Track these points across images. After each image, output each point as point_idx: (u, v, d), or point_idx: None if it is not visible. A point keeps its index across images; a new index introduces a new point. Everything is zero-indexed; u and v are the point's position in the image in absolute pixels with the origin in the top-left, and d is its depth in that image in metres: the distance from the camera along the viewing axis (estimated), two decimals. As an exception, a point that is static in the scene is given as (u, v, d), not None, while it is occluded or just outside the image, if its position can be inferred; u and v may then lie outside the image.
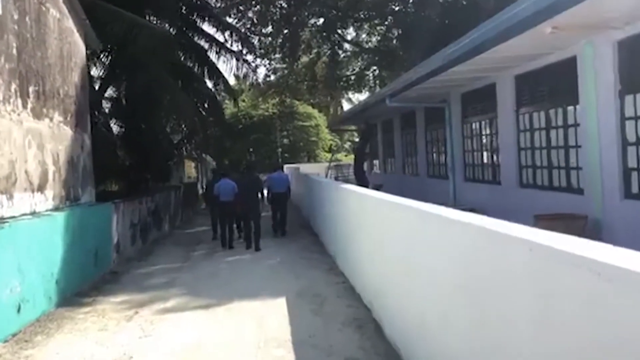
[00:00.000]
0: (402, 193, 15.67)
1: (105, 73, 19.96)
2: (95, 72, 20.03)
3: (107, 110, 21.30)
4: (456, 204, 12.79)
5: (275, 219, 15.36)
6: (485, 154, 11.97)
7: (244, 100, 44.61)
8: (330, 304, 7.76)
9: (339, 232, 9.97)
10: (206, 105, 23.31)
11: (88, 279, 9.62)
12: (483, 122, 11.95)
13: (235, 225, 14.24)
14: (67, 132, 9.92)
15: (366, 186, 16.11)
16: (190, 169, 36.05)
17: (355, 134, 60.17)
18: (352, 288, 8.44)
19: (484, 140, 11.98)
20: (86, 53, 17.59)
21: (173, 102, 18.95)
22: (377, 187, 16.47)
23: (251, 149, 46.36)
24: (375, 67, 32.12)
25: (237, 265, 11.17)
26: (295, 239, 14.14)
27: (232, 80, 30.04)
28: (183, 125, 22.13)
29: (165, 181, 21.03)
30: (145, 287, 9.49)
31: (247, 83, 31.97)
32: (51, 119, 9.19)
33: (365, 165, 18.62)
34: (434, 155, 15.37)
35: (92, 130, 15.99)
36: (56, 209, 9.15)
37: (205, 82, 23.85)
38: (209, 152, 39.83)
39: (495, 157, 11.48)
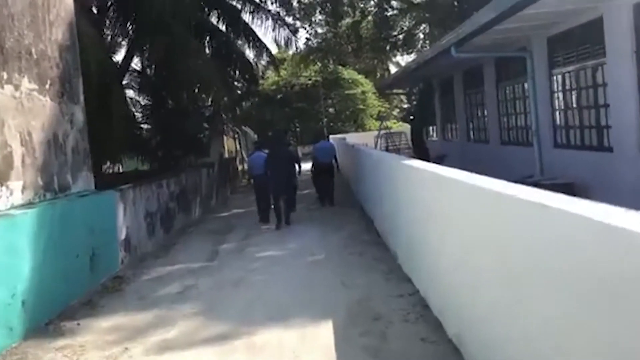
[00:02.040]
0: (468, 165, 13.06)
1: (129, 42, 17.83)
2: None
3: (132, 84, 19.27)
4: (544, 177, 10.16)
5: (320, 190, 14.88)
6: (584, 112, 9.23)
7: (285, 69, 42.18)
8: (396, 335, 5.33)
9: (401, 222, 7.53)
10: (237, 72, 20.94)
11: (78, 291, 7.49)
12: (581, 72, 9.20)
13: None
14: (45, 103, 7.70)
15: (427, 157, 13.64)
16: (231, 143, 33.96)
17: (404, 99, 57.09)
18: (424, 304, 6.02)
19: (583, 95, 9.23)
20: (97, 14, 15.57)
21: (198, 68, 16.68)
22: (440, 159, 13.95)
23: (296, 120, 44.01)
24: (425, 25, 29.24)
25: (271, 265, 8.84)
26: (343, 224, 11.75)
27: (272, 49, 27.57)
28: (210, 96, 19.83)
29: (197, 158, 18.91)
30: (150, 302, 7.29)
31: (287, 48, 29.77)
32: (16, 87, 6.96)
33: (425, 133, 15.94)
34: (510, 117, 12.66)
35: (115, 106, 14.10)
36: (28, 203, 6.97)
37: (238, 47, 21.45)
38: (247, 124, 37.73)
39: (601, 116, 8.76)
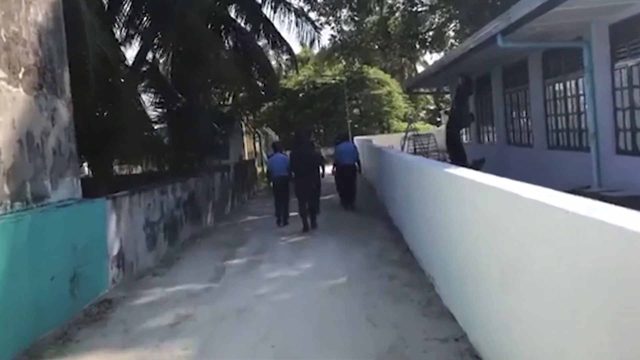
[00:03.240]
0: (509, 171, 11.56)
1: (143, 37, 16.65)
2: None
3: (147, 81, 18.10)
4: (604, 188, 8.69)
5: (343, 192, 14.73)
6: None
7: (309, 68, 40.87)
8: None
9: (442, 243, 6.14)
10: (257, 70, 19.63)
11: (54, 320, 6.24)
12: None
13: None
14: (16, 95, 6.46)
15: (464, 162, 12.21)
16: (252, 144, 32.76)
17: (431, 100, 55.38)
18: (475, 355, 4.65)
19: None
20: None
21: (216, 63, 15.45)
22: (478, 163, 12.51)
23: (320, 121, 42.65)
24: (456, 22, 27.79)
25: (283, 290, 7.47)
26: (368, 237, 10.38)
27: (295, 47, 26.26)
28: (229, 94, 18.56)
29: (216, 159, 17.69)
30: (135, 337, 6.00)
31: (310, 46, 28.60)
32: (-28, 75, 5.73)
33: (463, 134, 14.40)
34: (559, 118, 11.14)
35: (124, 104, 12.96)
36: (-12, 218, 5.73)
37: (257, 44, 20.14)
38: (268, 125, 36.52)
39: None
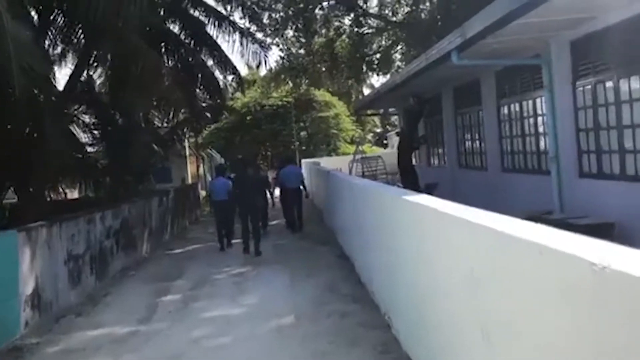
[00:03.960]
0: (461, 195, 11.04)
1: (78, 53, 15.59)
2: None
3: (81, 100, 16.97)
4: (568, 214, 8.17)
5: (288, 216, 14.73)
6: (626, 132, 7.23)
7: (256, 90, 40.15)
8: None
9: (400, 279, 5.42)
10: (201, 90, 18.73)
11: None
12: (621, 81, 7.24)
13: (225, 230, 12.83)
14: None
15: (416, 185, 11.63)
16: (195, 167, 31.66)
17: (378, 122, 55.34)
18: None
19: (624, 111, 7.24)
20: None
21: (154, 81, 14.47)
22: (431, 188, 11.96)
23: (267, 143, 41.81)
24: (402, 45, 27.72)
25: (222, 333, 6.58)
26: (317, 268, 9.59)
27: (243, 69, 25.53)
28: (168, 115, 17.57)
29: (152, 183, 16.67)
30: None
31: (256, 65, 27.87)
32: None
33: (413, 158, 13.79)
34: (515, 140, 10.67)
35: (50, 126, 11.96)
36: None
37: (203, 63, 19.27)
38: (213, 147, 35.45)
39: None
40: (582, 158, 8.19)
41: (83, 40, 14.96)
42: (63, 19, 14.42)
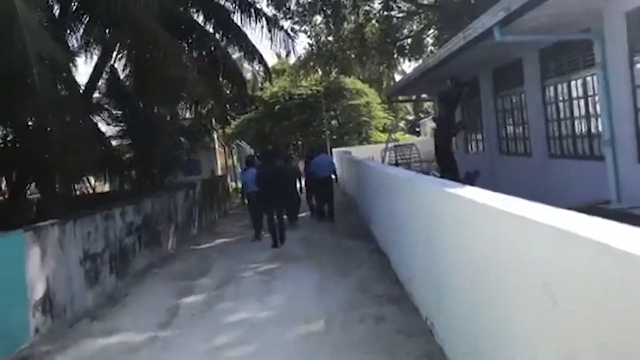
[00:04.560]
0: (505, 184, 10.24)
1: (100, 49, 15.18)
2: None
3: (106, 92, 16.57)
4: (626, 203, 7.36)
5: (317, 205, 14.86)
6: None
7: (285, 79, 39.50)
8: None
9: (445, 278, 4.74)
10: (227, 81, 18.14)
11: None
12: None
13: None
14: None
15: (455, 174, 10.89)
16: (225, 159, 31.27)
17: (410, 110, 54.22)
18: None
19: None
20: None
21: (179, 72, 13.92)
22: (472, 177, 11.19)
23: (297, 133, 41.18)
24: (434, 28, 26.73)
25: (245, 341, 5.97)
26: (349, 264, 8.93)
27: (270, 58, 24.96)
28: (195, 106, 17.02)
29: (179, 176, 16.16)
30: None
31: (284, 54, 27.32)
32: None
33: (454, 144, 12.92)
34: (563, 123, 9.82)
35: (73, 117, 11.59)
36: None
37: (228, 53, 18.67)
38: (242, 139, 34.98)
39: None
40: (643, 141, 7.35)
41: (106, 31, 14.61)
42: (83, 8, 14.03)
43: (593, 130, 8.72)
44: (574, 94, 9.25)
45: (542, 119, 10.45)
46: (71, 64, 16.69)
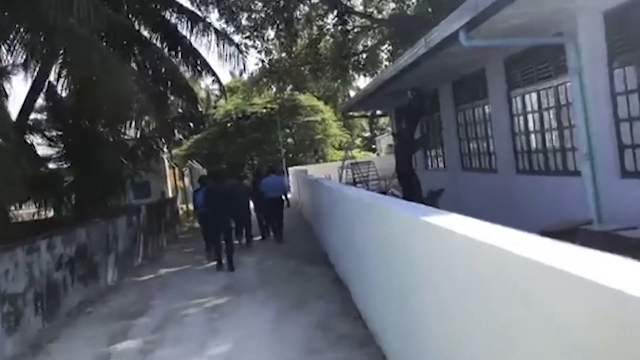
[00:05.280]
0: (469, 203, 9.56)
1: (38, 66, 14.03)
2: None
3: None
4: (609, 223, 6.68)
5: (267, 225, 14.90)
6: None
7: (239, 97, 38.56)
8: None
9: (428, 329, 3.89)
10: (175, 97, 17.10)
11: None
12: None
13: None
14: None
15: (418, 192, 10.14)
16: (176, 180, 30.01)
17: (366, 126, 53.75)
18: None
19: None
20: None
21: (118, 87, 12.82)
22: (435, 195, 10.47)
23: (253, 152, 40.18)
24: (389, 43, 26.28)
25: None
26: (305, 296, 8.06)
27: (225, 77, 24.04)
28: (138, 123, 15.92)
29: (120, 200, 14.99)
30: None
31: (240, 74, 26.48)
32: None
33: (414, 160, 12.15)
34: (532, 136, 9.17)
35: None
36: None
37: (175, 67, 17.61)
38: (194, 158, 33.82)
39: None
40: (625, 154, 6.71)
41: (41, 45, 13.51)
42: (13, 20, 12.90)
43: (567, 143, 8.07)
44: (545, 104, 8.61)
45: (509, 132, 9.81)
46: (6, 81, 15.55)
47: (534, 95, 8.85)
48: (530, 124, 9.21)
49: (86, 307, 9.19)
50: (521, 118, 9.50)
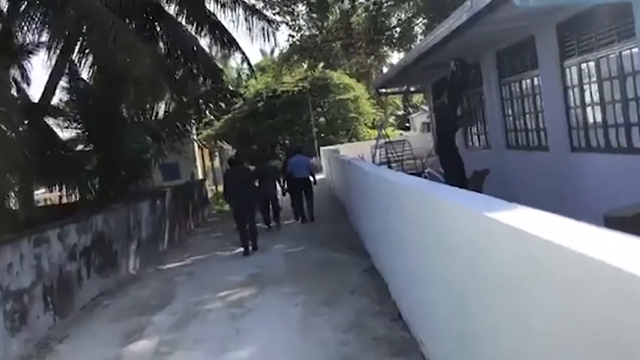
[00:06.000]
0: (520, 186, 8.64)
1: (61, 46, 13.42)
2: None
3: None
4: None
5: (296, 206, 14.64)
6: None
7: (269, 77, 37.72)
8: None
9: (491, 342, 3.08)
10: (196, 74, 16.27)
11: None
12: None
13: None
14: None
15: (461, 173, 9.27)
16: (207, 161, 29.54)
17: (399, 103, 52.43)
18: None
19: None
20: None
21: (140, 65, 12.10)
22: (480, 176, 9.58)
23: (284, 132, 39.37)
24: (424, 17, 25.08)
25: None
26: (339, 290, 7.32)
27: (254, 56, 23.26)
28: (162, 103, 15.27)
29: (146, 183, 14.36)
30: None
31: (265, 45, 25.63)
32: None
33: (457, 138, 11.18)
34: (593, 108, 8.16)
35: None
36: None
37: (201, 47, 16.76)
38: (225, 139, 33.19)
39: None
40: None
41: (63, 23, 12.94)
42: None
43: (633, 117, 7.09)
44: (605, 74, 7.61)
45: (562, 106, 8.80)
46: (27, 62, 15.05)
47: (592, 64, 7.85)
48: (588, 97, 8.20)
49: (103, 300, 8.60)
50: (576, 90, 8.49)
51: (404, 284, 5.76)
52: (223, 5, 17.10)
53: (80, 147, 14.61)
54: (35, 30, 12.90)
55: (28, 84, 15.34)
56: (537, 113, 9.96)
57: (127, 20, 13.14)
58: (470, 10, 7.54)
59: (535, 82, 9.82)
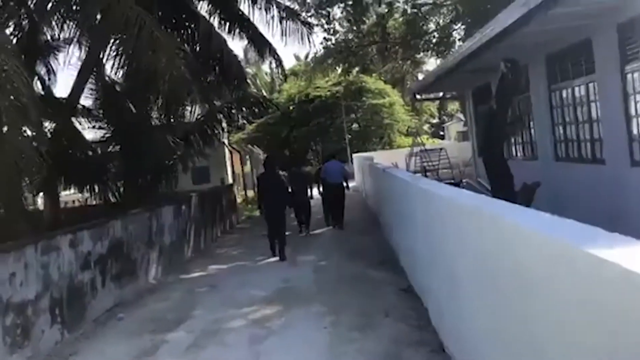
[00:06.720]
0: (572, 201, 7.81)
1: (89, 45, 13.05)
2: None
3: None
4: None
5: (329, 210, 14.55)
6: None
7: (302, 81, 37.16)
8: None
9: None
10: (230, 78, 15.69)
11: None
12: None
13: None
14: None
15: (509, 185, 8.50)
16: (238, 165, 29.08)
17: (434, 110, 51.34)
18: None
19: None
20: None
21: (168, 67, 11.54)
22: (531, 190, 8.78)
23: (317, 138, 38.78)
24: (462, 22, 24.24)
25: None
26: (374, 312, 6.62)
27: (288, 60, 22.81)
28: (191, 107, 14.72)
29: (171, 186, 13.84)
30: None
31: (299, 48, 25.12)
32: None
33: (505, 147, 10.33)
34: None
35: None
36: None
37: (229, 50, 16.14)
38: (256, 144, 32.65)
39: None
40: None
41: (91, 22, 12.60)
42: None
43: None
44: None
45: (621, 115, 7.99)
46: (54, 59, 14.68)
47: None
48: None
49: (118, 313, 8.03)
50: (639, 97, 7.67)
51: (450, 313, 5.04)
52: (255, 2, 16.47)
53: (105, 149, 14.20)
54: (66, 27, 12.69)
55: (54, 82, 15.00)
56: (591, 122, 9.13)
57: (156, 17, 12.69)
58: (525, 4, 6.80)
59: (591, 89, 8.99)
